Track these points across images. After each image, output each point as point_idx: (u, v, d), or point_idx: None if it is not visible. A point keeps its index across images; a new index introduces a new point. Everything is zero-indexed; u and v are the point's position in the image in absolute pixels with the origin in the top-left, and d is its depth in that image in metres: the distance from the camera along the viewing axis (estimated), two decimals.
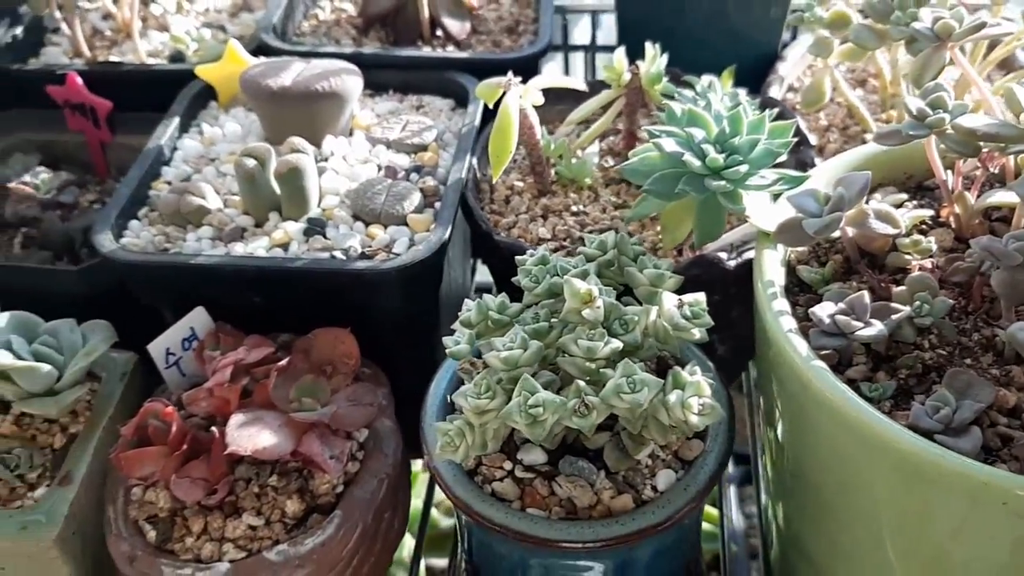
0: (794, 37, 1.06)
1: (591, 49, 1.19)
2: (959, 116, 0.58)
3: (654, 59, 0.82)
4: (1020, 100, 0.56)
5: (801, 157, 0.81)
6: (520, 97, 0.75)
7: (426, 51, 0.97)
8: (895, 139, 0.60)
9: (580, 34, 1.24)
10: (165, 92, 0.92)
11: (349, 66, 0.85)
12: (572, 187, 0.82)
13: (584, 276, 0.60)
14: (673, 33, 0.99)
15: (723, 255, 0.71)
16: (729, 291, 0.71)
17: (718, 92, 0.77)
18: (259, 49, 0.94)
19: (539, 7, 1.03)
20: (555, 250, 0.76)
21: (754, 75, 0.99)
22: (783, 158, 0.66)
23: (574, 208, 0.80)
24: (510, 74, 0.77)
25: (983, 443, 0.51)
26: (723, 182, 0.62)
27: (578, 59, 1.23)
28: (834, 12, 0.79)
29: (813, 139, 0.87)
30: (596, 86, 0.86)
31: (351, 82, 0.84)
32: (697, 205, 0.65)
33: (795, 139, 0.66)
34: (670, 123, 0.66)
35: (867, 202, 0.69)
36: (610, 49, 1.13)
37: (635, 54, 0.93)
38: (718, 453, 0.61)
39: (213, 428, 0.66)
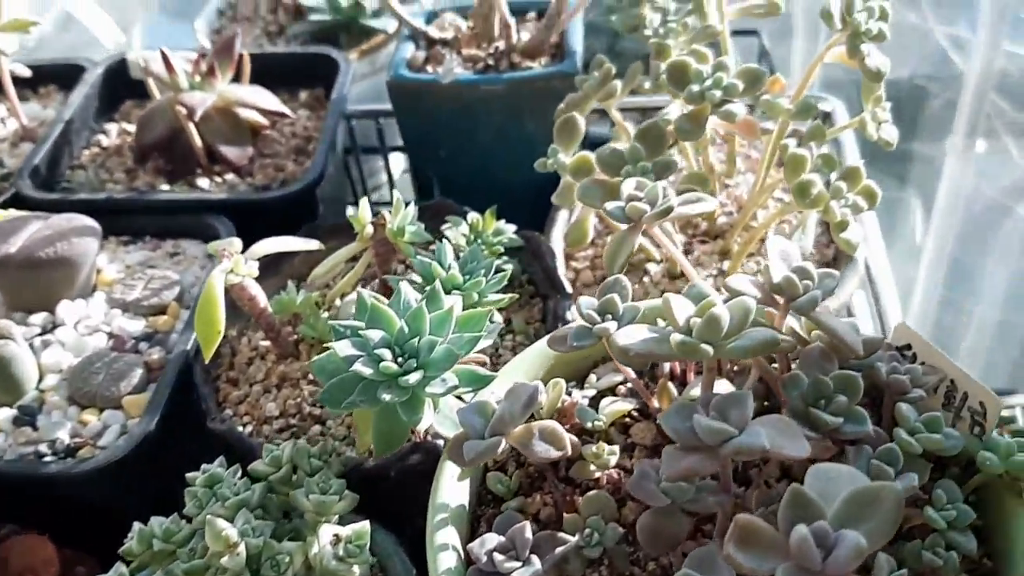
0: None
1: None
2: (627, 324, 0.54)
3: (399, 210, 0.77)
4: (676, 312, 0.51)
5: (557, 309, 0.77)
6: (231, 271, 0.70)
7: (182, 192, 0.91)
8: (563, 346, 0.55)
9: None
10: None
11: (87, 225, 0.80)
12: (320, 346, 0.78)
13: (239, 508, 0.56)
14: (461, 146, 0.95)
15: (441, 442, 0.66)
16: None
17: (447, 256, 0.72)
18: (14, 198, 0.89)
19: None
20: (280, 430, 0.71)
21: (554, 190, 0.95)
22: (489, 330, 0.61)
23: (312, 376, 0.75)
24: (230, 242, 0.72)
25: None
26: (398, 391, 0.57)
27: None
28: (577, 158, 0.74)
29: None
30: (347, 229, 0.81)
31: (83, 245, 0.79)
32: (375, 413, 0.60)
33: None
34: (358, 316, 0.61)
35: (583, 386, 0.64)
36: None
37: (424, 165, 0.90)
38: None
39: None
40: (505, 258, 0.81)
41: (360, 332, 0.59)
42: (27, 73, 1.06)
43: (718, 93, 0.69)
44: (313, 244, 0.77)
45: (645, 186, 0.61)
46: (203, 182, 0.94)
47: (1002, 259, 1.91)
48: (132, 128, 1.03)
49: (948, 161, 1.90)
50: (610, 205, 0.60)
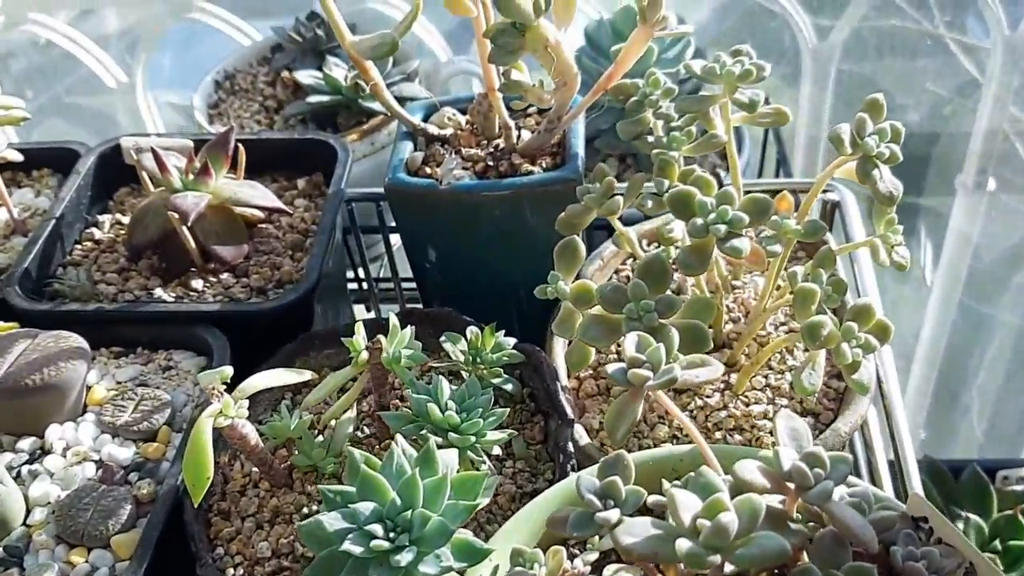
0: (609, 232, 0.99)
1: None
2: (631, 509, 0.51)
3: (395, 335, 0.75)
4: (681, 512, 0.49)
5: (559, 438, 0.74)
6: (219, 414, 0.68)
7: (173, 303, 0.88)
8: (562, 530, 0.53)
9: None
10: None
11: (76, 347, 0.78)
12: (314, 475, 0.75)
13: None
14: (461, 244, 0.93)
15: None
16: None
17: (443, 394, 0.70)
18: (1, 305, 0.87)
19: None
20: (273, 573, 0.69)
21: None
22: (487, 486, 0.59)
23: (306, 509, 0.73)
24: (220, 372, 0.70)
25: None
26: (389, 572, 0.55)
27: None
28: (578, 288, 0.72)
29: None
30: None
31: (71, 370, 0.77)
32: None
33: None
34: (350, 479, 0.59)
35: (585, 546, 0.62)
36: None
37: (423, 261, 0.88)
38: None
39: None
40: (504, 377, 0.79)
41: (350, 503, 0.57)
42: (19, 158, 1.04)
43: (723, 228, 0.67)
44: (306, 375, 0.74)
45: (647, 345, 0.58)
46: (197, 283, 0.91)
47: None
48: (125, 219, 1.01)
49: (958, 199, 1.89)
50: (611, 368, 0.58)
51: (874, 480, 0.87)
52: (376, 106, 1.11)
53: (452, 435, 0.68)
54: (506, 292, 0.96)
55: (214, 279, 0.92)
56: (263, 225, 0.98)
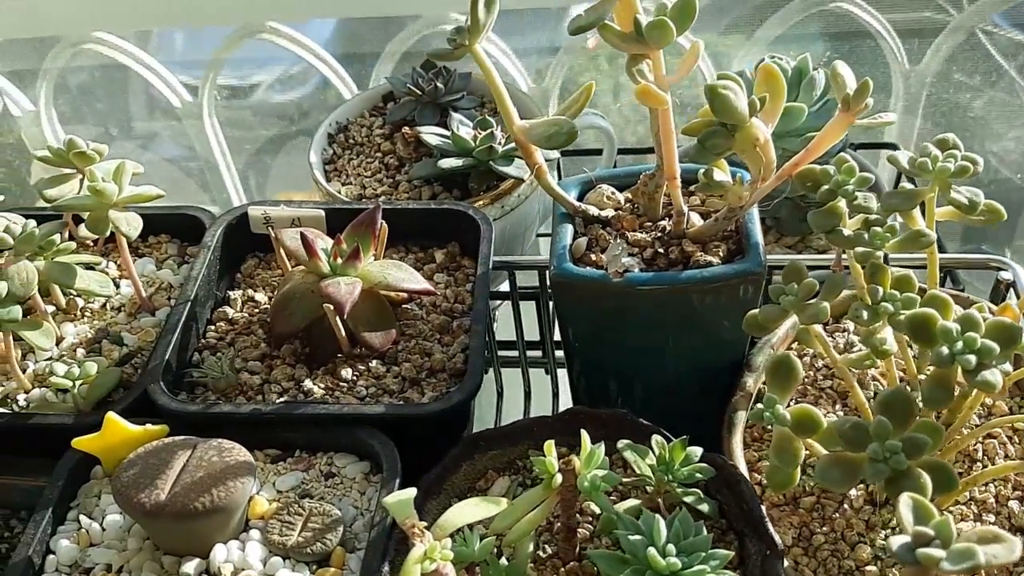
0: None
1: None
2: None
3: (591, 458, 0.70)
4: None
5: (768, 572, 0.69)
6: (424, 558, 0.63)
7: (327, 395, 0.84)
8: None
9: None
10: (53, 442, 0.81)
11: (243, 462, 0.73)
12: None
13: None
14: (627, 333, 0.87)
15: None
16: None
17: (661, 536, 0.64)
18: (142, 399, 0.82)
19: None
20: None
21: (726, 376, 0.87)
22: None
23: None
24: (408, 501, 0.65)
25: None
26: None
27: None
28: (801, 412, 0.66)
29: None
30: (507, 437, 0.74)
31: (240, 489, 0.72)
32: None
33: None
34: None
35: None
36: None
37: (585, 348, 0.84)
38: None
39: None
40: (698, 495, 0.74)
41: None
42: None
43: (973, 359, 0.61)
44: (503, 504, 0.69)
45: (929, 516, 0.53)
46: (346, 371, 0.86)
47: None
48: (257, 295, 0.96)
49: None
50: (895, 544, 0.52)
51: None
52: (507, 169, 1.05)
53: None
54: (664, 378, 0.91)
55: (362, 367, 0.88)
56: (406, 306, 0.93)
